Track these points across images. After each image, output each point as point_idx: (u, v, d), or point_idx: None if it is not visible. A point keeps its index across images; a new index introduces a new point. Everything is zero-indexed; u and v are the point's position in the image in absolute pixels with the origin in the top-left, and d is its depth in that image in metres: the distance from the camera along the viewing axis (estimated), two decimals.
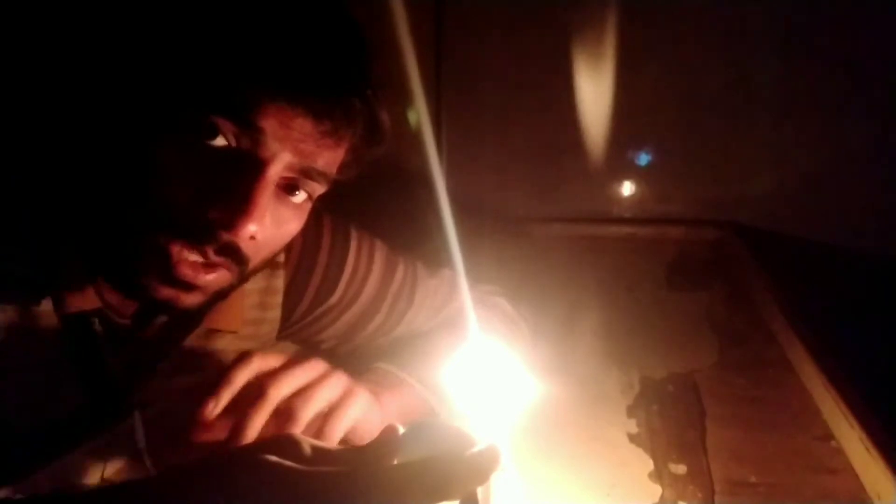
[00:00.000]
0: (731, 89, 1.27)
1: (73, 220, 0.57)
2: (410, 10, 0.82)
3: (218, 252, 0.52)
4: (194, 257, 0.52)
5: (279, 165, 0.52)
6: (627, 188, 1.38)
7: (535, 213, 1.41)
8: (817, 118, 1.24)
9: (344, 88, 0.53)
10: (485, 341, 0.55)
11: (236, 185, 0.50)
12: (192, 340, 0.67)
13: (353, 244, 0.77)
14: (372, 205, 0.63)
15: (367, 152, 0.59)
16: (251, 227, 0.51)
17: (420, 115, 1.07)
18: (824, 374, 0.74)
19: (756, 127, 1.28)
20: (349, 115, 0.54)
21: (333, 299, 0.76)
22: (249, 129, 0.50)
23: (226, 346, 0.71)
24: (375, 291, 0.78)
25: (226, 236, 0.51)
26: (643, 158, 1.35)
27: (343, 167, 0.58)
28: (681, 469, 0.63)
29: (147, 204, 0.50)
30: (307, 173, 0.54)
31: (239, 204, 0.50)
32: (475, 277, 0.83)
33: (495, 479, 0.48)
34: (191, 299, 0.54)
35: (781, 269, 1.06)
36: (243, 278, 0.58)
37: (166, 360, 0.66)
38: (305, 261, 0.73)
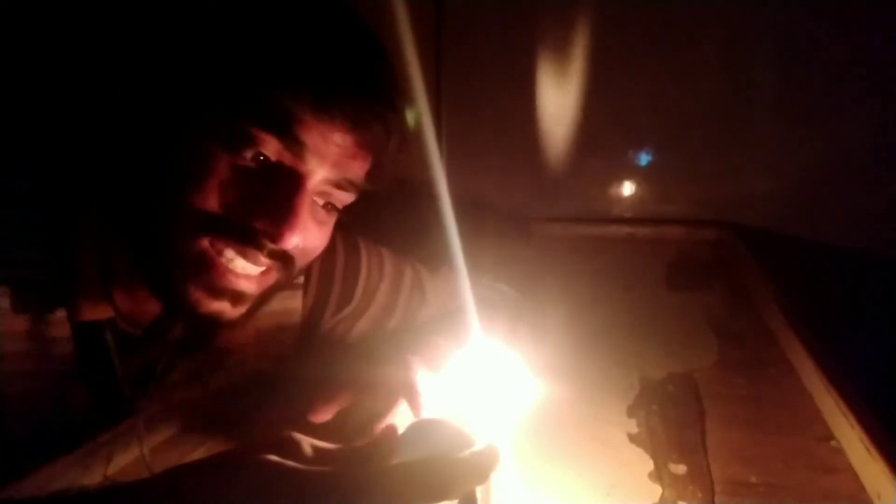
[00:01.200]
0: (731, 90, 1.27)
1: (113, 229, 0.57)
2: (410, 11, 0.82)
3: (269, 256, 0.55)
4: (244, 264, 0.54)
5: (317, 178, 0.54)
6: (627, 188, 1.38)
7: (535, 213, 1.41)
8: (817, 119, 1.24)
9: (382, 102, 0.54)
10: (486, 342, 0.55)
11: (279, 197, 0.52)
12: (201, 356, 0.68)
13: (364, 255, 0.79)
14: (374, 207, 0.64)
15: (394, 161, 0.61)
16: (295, 240, 0.53)
17: (420, 115, 1.07)
18: (824, 374, 0.74)
19: (756, 127, 1.28)
20: (386, 127, 0.55)
21: (348, 310, 0.78)
22: (292, 143, 0.51)
23: (234, 363, 0.71)
24: (387, 297, 0.80)
25: (272, 246, 0.53)
26: (643, 158, 1.35)
27: (371, 176, 0.59)
28: (681, 469, 0.63)
29: (192, 212, 0.52)
30: (340, 184, 0.56)
31: (284, 217, 0.52)
32: (478, 275, 0.84)
33: (495, 479, 0.48)
34: (237, 311, 0.56)
35: (781, 269, 1.06)
36: (285, 283, 0.60)
37: (175, 372, 0.67)
38: (325, 280, 0.75)
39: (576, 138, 1.34)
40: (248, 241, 0.53)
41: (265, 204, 0.52)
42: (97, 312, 0.57)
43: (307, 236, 0.55)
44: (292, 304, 0.74)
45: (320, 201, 0.58)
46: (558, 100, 1.33)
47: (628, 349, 0.90)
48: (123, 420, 0.64)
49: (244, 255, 0.54)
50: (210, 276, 0.53)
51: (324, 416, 0.57)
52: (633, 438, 0.69)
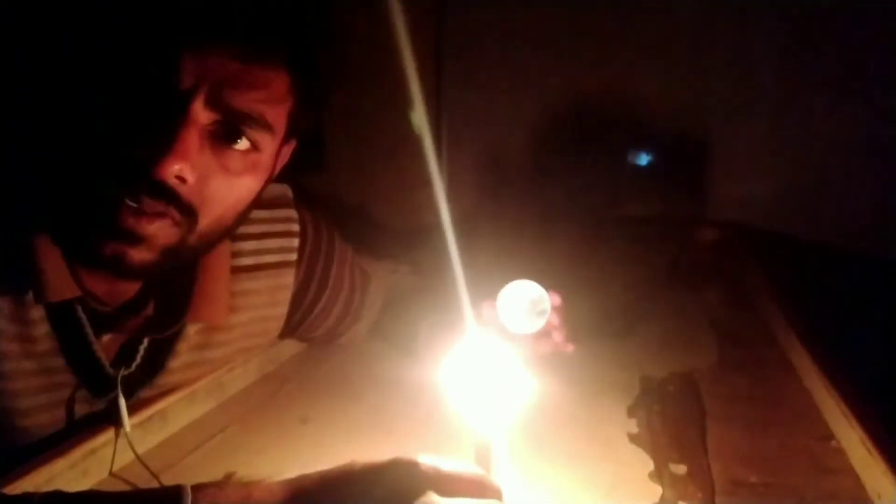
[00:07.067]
0: (731, 89, 1.27)
1: (36, 195, 0.57)
2: (410, 11, 0.82)
3: (151, 194, 0.51)
4: (133, 204, 0.51)
5: (199, 103, 0.51)
6: (627, 188, 1.38)
7: (535, 212, 1.41)
8: (817, 118, 1.24)
9: (259, 27, 0.53)
10: (485, 343, 0.55)
11: (160, 125, 0.50)
12: (192, 334, 0.68)
13: (338, 244, 0.82)
14: (372, 206, 0.64)
15: (311, 109, 0.61)
16: (175, 166, 0.50)
17: (420, 114, 1.07)
18: (824, 374, 0.74)
19: (757, 127, 1.28)
20: (271, 54, 0.54)
21: (327, 294, 0.80)
22: (166, 68, 0.50)
23: (229, 341, 0.72)
24: (350, 279, 0.84)
25: (153, 176, 0.50)
26: (643, 158, 1.35)
27: (292, 119, 0.59)
28: (681, 469, 0.63)
29: (85, 156, 0.52)
30: (242, 119, 0.53)
31: (162, 142, 0.49)
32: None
33: (494, 479, 0.48)
34: (139, 255, 0.53)
35: (781, 269, 1.06)
36: (200, 239, 0.57)
37: (159, 353, 0.67)
38: (312, 259, 0.77)
39: (576, 138, 1.34)
40: (131, 178, 0.51)
41: (147, 132, 0.50)
42: (64, 292, 0.57)
43: (194, 169, 0.52)
44: (284, 280, 0.74)
45: (243, 144, 0.55)
46: (558, 100, 1.33)
47: (628, 349, 0.90)
48: (107, 395, 0.64)
49: (130, 196, 0.51)
50: (104, 218, 0.52)
51: None
52: (633, 438, 0.69)
